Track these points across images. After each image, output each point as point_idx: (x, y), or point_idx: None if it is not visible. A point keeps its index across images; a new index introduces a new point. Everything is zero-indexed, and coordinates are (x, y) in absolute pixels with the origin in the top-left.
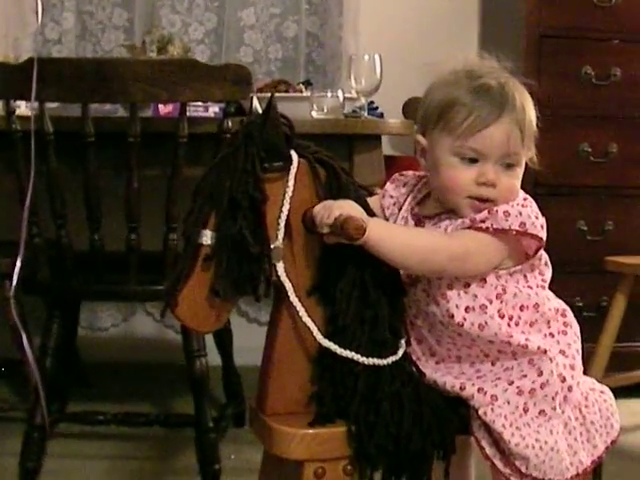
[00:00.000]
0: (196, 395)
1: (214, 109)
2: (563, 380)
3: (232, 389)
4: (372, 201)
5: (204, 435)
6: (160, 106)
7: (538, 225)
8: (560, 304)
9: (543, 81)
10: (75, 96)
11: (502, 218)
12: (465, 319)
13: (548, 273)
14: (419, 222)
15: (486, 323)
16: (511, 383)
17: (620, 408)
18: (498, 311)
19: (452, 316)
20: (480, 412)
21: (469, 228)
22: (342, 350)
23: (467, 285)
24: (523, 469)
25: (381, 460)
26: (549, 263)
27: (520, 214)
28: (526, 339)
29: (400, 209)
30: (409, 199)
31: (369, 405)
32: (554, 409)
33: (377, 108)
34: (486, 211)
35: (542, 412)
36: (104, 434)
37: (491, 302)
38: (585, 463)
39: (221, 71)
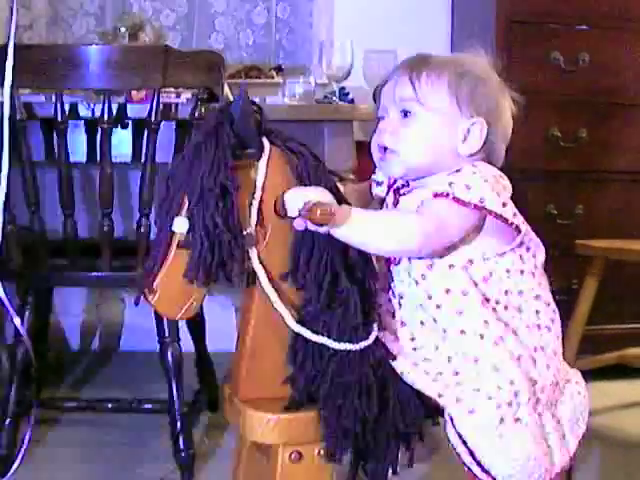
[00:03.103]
0: (169, 381)
1: (186, 95)
2: (534, 384)
3: (205, 375)
4: (362, 188)
5: (178, 421)
6: (133, 92)
7: (499, 202)
8: (549, 303)
9: (512, 66)
10: (48, 83)
11: (463, 190)
12: (442, 303)
13: (540, 256)
14: (397, 191)
15: (463, 310)
16: (490, 398)
17: (591, 390)
18: (483, 294)
19: (430, 297)
20: (456, 422)
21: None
22: (314, 335)
23: (451, 267)
24: (499, 479)
25: (348, 443)
26: (541, 246)
27: (480, 189)
28: (500, 337)
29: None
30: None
31: (337, 388)
32: (530, 415)
33: (349, 94)
34: (447, 184)
35: (518, 420)
36: (77, 420)
37: (476, 285)
38: (561, 463)
39: (194, 57)
